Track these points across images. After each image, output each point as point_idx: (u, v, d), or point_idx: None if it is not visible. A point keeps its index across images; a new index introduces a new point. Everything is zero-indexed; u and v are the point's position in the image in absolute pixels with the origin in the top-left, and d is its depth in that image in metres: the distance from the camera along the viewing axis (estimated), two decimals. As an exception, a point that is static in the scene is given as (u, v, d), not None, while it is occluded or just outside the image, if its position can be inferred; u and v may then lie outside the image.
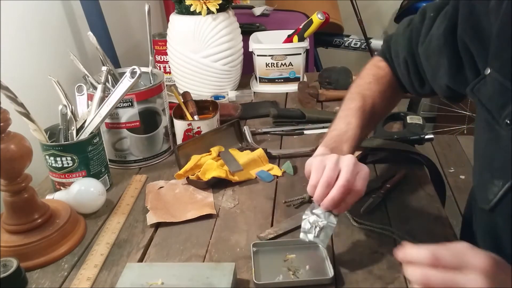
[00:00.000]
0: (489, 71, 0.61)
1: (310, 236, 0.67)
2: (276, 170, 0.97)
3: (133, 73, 0.88)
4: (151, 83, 1.04)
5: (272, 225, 0.81)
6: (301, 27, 1.41)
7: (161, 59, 1.49)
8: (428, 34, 0.76)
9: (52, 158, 0.87)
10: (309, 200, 0.86)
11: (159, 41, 1.47)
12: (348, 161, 0.66)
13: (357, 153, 0.97)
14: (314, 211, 0.69)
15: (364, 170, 0.67)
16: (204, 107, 1.13)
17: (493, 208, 0.63)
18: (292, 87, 1.40)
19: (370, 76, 0.86)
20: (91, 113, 0.92)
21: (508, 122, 0.58)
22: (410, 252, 0.50)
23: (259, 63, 1.39)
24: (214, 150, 0.99)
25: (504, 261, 0.49)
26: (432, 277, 0.47)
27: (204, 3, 1.25)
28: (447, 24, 0.70)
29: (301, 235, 0.68)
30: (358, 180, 0.66)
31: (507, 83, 0.58)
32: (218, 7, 1.25)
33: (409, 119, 1.10)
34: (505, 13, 0.57)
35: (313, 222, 0.68)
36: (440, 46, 0.72)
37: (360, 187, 0.66)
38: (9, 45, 0.99)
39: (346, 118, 0.78)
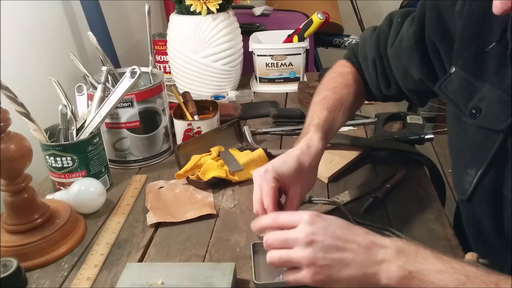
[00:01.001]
0: (454, 69, 0.67)
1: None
2: (276, 170, 0.97)
3: (133, 73, 0.88)
4: (151, 83, 1.04)
5: (272, 225, 0.81)
6: (301, 27, 1.41)
7: (161, 59, 1.49)
8: (397, 36, 0.80)
9: (52, 158, 0.87)
10: (309, 200, 0.86)
11: (159, 41, 1.47)
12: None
13: (357, 153, 0.97)
14: None
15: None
16: (204, 107, 1.13)
17: (470, 197, 0.66)
18: (292, 87, 1.40)
19: (334, 73, 0.88)
20: (91, 113, 0.92)
21: (474, 111, 0.63)
22: (258, 220, 0.62)
23: (259, 63, 1.39)
24: (214, 150, 0.99)
25: (324, 215, 0.58)
26: (270, 236, 0.59)
27: (204, 3, 1.25)
28: (416, 26, 0.75)
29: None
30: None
31: (470, 78, 0.63)
32: (218, 7, 1.25)
33: (409, 119, 1.10)
34: (466, 14, 0.64)
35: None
36: (411, 46, 0.75)
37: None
38: (9, 45, 0.99)
39: (311, 111, 0.80)
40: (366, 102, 1.02)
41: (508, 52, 0.59)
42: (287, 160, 0.69)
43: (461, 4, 0.65)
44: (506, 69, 0.60)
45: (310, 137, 0.73)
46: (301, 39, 1.40)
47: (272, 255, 0.58)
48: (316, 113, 0.78)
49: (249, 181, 0.95)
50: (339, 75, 0.87)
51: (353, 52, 0.90)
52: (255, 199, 0.66)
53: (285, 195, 0.69)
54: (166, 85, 1.08)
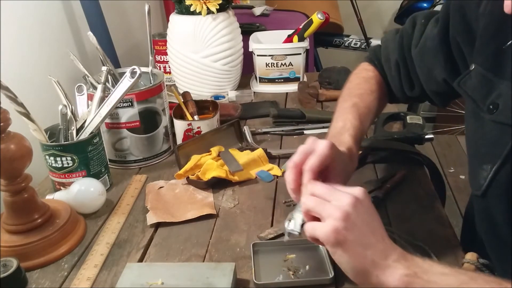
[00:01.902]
0: (473, 66, 0.67)
1: (286, 235, 0.65)
2: (276, 170, 0.97)
3: (133, 73, 0.88)
4: (151, 83, 1.04)
5: (272, 225, 0.81)
6: (301, 27, 1.41)
7: (161, 59, 1.49)
8: (421, 37, 0.80)
9: (52, 158, 0.87)
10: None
11: (159, 41, 1.47)
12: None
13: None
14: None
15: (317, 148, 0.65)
16: (204, 107, 1.13)
17: (485, 193, 0.66)
18: (292, 87, 1.40)
19: (359, 78, 0.88)
20: (91, 113, 0.92)
21: (491, 107, 0.64)
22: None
23: (259, 63, 1.39)
24: (214, 150, 0.99)
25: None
26: (316, 188, 0.59)
27: (204, 3, 1.25)
28: (440, 27, 0.75)
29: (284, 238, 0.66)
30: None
31: (489, 75, 0.64)
32: (218, 7, 1.25)
33: (409, 119, 1.10)
34: (488, 13, 0.65)
35: (289, 217, 0.65)
36: (435, 46, 0.76)
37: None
38: (9, 45, 0.99)
39: (342, 116, 0.80)
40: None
41: None
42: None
43: (485, 4, 0.66)
44: None
45: (350, 148, 0.74)
46: (301, 39, 1.40)
47: (310, 199, 0.59)
48: (350, 121, 0.78)
49: (249, 181, 0.95)
50: (363, 80, 0.87)
51: (375, 54, 0.90)
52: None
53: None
54: (166, 85, 1.08)
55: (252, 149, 1.02)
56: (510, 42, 0.62)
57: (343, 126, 0.77)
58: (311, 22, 1.38)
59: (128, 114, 0.98)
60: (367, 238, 0.56)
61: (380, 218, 0.60)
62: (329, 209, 0.56)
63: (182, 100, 1.12)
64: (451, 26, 0.73)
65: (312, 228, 0.57)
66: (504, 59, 0.63)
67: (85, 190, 0.85)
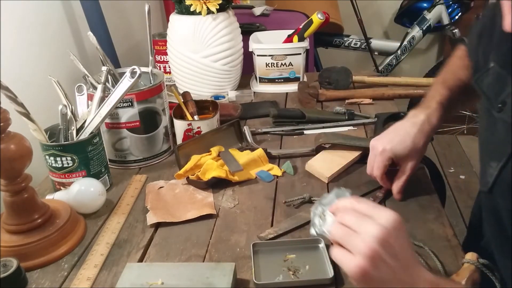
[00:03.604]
0: (491, 64, 0.67)
1: (314, 230, 0.62)
2: (276, 170, 0.97)
3: (133, 73, 0.88)
4: (151, 83, 1.04)
5: (272, 225, 0.81)
6: (301, 27, 1.41)
7: (161, 59, 1.49)
8: None
9: (52, 158, 0.87)
10: (309, 200, 0.86)
11: (159, 41, 1.47)
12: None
13: (357, 153, 0.97)
14: (322, 201, 0.63)
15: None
16: (204, 107, 1.13)
17: (491, 189, 0.67)
18: (292, 87, 1.40)
19: (453, 57, 0.90)
20: (91, 113, 0.92)
21: (500, 105, 0.64)
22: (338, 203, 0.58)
23: (259, 63, 1.39)
24: (214, 150, 0.99)
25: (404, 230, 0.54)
26: (345, 216, 0.55)
27: (204, 3, 1.25)
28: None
29: (310, 230, 0.64)
30: None
31: (504, 73, 0.64)
32: (218, 7, 1.25)
33: (409, 119, 1.09)
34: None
35: (319, 213, 0.63)
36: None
37: None
38: (9, 45, 0.99)
39: (433, 89, 0.85)
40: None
41: None
42: (404, 140, 0.80)
43: None
44: None
45: (431, 113, 0.81)
46: (301, 39, 1.40)
47: (338, 229, 0.55)
48: (438, 91, 0.83)
49: (249, 181, 0.95)
50: (457, 58, 0.89)
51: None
52: (369, 165, 0.84)
53: (399, 167, 0.83)
54: (166, 85, 1.08)
55: (252, 149, 1.02)
56: None
57: (432, 97, 0.84)
58: (311, 22, 1.38)
59: (128, 114, 0.98)
60: (396, 275, 0.52)
61: (410, 242, 0.57)
62: (356, 243, 0.52)
63: (182, 100, 1.12)
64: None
65: (339, 260, 0.54)
66: None
67: (85, 190, 0.85)
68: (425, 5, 2.48)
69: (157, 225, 0.83)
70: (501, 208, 0.67)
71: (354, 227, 0.53)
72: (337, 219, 0.56)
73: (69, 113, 0.90)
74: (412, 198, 0.85)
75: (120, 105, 0.95)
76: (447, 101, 0.83)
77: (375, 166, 0.82)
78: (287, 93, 1.40)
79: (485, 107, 0.70)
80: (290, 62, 1.38)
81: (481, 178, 0.71)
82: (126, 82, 0.89)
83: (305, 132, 1.14)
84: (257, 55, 1.38)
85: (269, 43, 1.46)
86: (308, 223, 0.80)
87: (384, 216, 0.53)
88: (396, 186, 0.83)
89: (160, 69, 1.48)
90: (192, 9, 1.25)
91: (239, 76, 1.44)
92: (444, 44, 2.81)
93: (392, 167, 0.84)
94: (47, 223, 0.76)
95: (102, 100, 0.93)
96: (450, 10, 2.46)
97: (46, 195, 0.89)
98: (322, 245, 0.73)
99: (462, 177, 2.52)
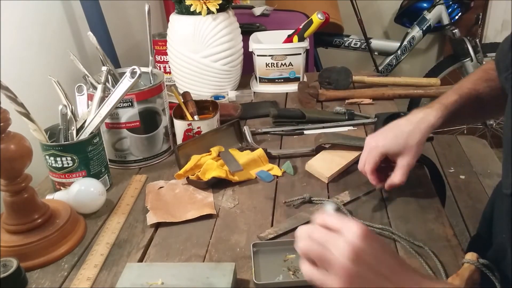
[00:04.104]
0: None
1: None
2: (276, 170, 0.97)
3: (133, 73, 0.88)
4: (151, 83, 1.04)
5: (272, 225, 0.81)
6: (301, 27, 1.41)
7: (161, 59, 1.49)
8: None
9: (52, 158, 0.87)
10: (309, 200, 0.86)
11: (159, 41, 1.47)
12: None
13: (357, 153, 0.97)
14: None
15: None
16: (204, 107, 1.13)
17: None
18: (292, 87, 1.40)
19: (478, 70, 0.87)
20: (91, 113, 0.92)
21: None
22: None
23: (259, 63, 1.39)
24: (214, 150, 0.99)
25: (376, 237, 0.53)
26: (315, 231, 0.53)
27: (204, 3, 1.25)
28: None
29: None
30: None
31: None
32: (218, 7, 1.25)
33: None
34: None
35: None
36: None
37: None
38: (9, 45, 0.99)
39: (445, 95, 0.83)
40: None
41: None
42: (397, 136, 0.79)
43: None
44: None
45: (429, 112, 0.80)
46: (301, 39, 1.40)
47: (308, 245, 0.53)
48: (447, 94, 0.82)
49: (249, 181, 0.95)
50: (481, 70, 0.85)
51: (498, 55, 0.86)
52: (361, 161, 0.84)
53: (394, 164, 0.81)
54: (166, 85, 1.08)
55: (252, 149, 1.02)
56: None
57: (439, 100, 0.82)
58: (311, 22, 1.38)
59: (128, 114, 0.98)
60: (379, 285, 0.50)
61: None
62: (329, 262, 0.51)
63: (182, 100, 1.12)
64: None
65: (316, 279, 0.52)
66: None
67: (85, 190, 0.85)
68: (425, 5, 2.48)
69: (157, 225, 0.83)
70: None
71: (323, 242, 0.52)
72: (306, 233, 0.54)
73: (69, 113, 0.90)
74: (412, 198, 0.85)
75: (120, 105, 0.95)
76: (453, 105, 0.80)
77: (366, 161, 0.82)
78: (287, 93, 1.40)
79: None
80: (290, 62, 1.38)
81: (504, 179, 0.69)
82: (126, 82, 0.89)
83: (305, 132, 1.14)
84: (257, 55, 1.38)
85: (269, 43, 1.46)
86: (308, 223, 0.80)
87: (351, 230, 0.51)
88: (389, 181, 0.81)
89: (160, 69, 1.48)
90: (192, 9, 1.25)
91: (239, 76, 1.44)
92: (444, 44, 2.81)
93: (387, 164, 0.83)
94: (47, 223, 0.76)
95: (102, 100, 0.93)
96: (450, 10, 2.46)
97: (46, 195, 0.89)
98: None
99: (462, 177, 2.51)
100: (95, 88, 0.97)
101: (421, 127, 0.79)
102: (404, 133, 0.79)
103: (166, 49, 1.40)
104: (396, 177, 0.79)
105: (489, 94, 0.82)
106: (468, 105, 0.81)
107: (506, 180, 0.67)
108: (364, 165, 0.83)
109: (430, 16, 2.45)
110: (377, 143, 0.81)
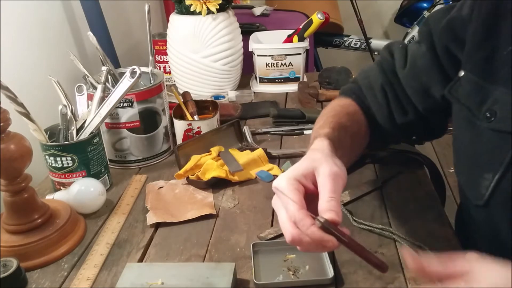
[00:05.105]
0: (462, 73, 0.66)
1: None
2: (276, 170, 0.97)
3: (133, 73, 0.88)
4: (151, 83, 1.04)
5: (272, 225, 0.81)
6: (301, 27, 1.41)
7: (161, 59, 1.49)
8: (406, 59, 0.78)
9: (52, 158, 0.87)
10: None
11: (159, 41, 1.47)
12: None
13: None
14: None
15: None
16: (204, 107, 1.13)
17: (487, 202, 0.64)
18: (292, 87, 1.40)
19: (332, 105, 0.81)
20: (91, 113, 0.92)
21: (488, 115, 0.62)
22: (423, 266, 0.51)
23: (259, 63, 1.39)
24: (214, 150, 0.99)
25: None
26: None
27: (204, 3, 1.25)
28: (427, 44, 0.74)
29: None
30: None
31: (481, 81, 0.63)
32: (218, 7, 1.25)
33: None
34: (475, 18, 0.64)
35: None
36: (428, 62, 0.74)
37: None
38: (9, 45, 0.99)
39: (312, 137, 0.72)
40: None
41: None
42: (297, 164, 0.62)
43: (469, 7, 0.65)
44: None
45: (313, 144, 0.68)
46: (301, 39, 1.40)
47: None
48: (317, 132, 0.70)
49: (249, 181, 0.95)
50: (338, 105, 0.80)
51: (350, 89, 0.84)
52: (282, 224, 0.58)
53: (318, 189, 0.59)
54: (166, 85, 1.08)
55: (252, 149, 1.02)
56: (509, 48, 0.60)
57: (311, 142, 0.70)
58: (311, 22, 1.38)
59: (128, 114, 0.98)
60: None
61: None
62: None
63: (182, 100, 1.12)
64: (438, 38, 0.71)
65: None
66: (496, 64, 0.62)
67: (85, 190, 0.85)
68: (425, 5, 2.49)
69: (157, 225, 0.83)
70: (500, 220, 0.65)
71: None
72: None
73: (69, 113, 0.90)
74: (412, 198, 0.85)
75: (120, 105, 0.95)
76: (329, 135, 0.69)
77: (285, 202, 0.58)
78: (287, 93, 1.40)
79: (464, 118, 0.67)
80: (290, 62, 1.38)
81: (471, 191, 0.68)
82: (126, 82, 0.89)
83: (305, 132, 1.14)
84: (257, 55, 1.38)
85: (269, 43, 1.46)
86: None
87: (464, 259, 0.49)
88: (323, 201, 0.57)
89: (160, 69, 1.48)
90: (192, 9, 1.25)
91: (239, 76, 1.44)
92: (444, 44, 2.81)
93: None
94: (47, 223, 0.76)
95: (102, 100, 0.93)
96: (450, 10, 2.46)
97: (46, 195, 0.89)
98: (322, 245, 0.73)
99: (462, 177, 2.51)
100: (95, 88, 0.97)
101: (318, 148, 0.65)
102: (302, 158, 0.63)
103: (166, 49, 1.40)
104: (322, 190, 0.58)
105: (354, 126, 0.77)
106: (343, 136, 0.71)
107: (474, 192, 0.65)
108: (291, 219, 0.58)
109: (430, 16, 2.45)
110: (275, 184, 0.61)
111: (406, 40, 2.49)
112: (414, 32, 2.48)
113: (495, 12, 0.62)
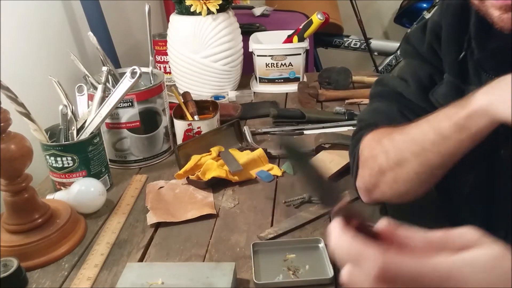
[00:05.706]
0: (445, 75, 0.67)
1: None
2: (276, 170, 0.97)
3: (133, 73, 0.88)
4: (151, 83, 1.04)
5: (272, 225, 0.81)
6: (301, 27, 1.41)
7: (161, 59, 1.50)
8: (407, 80, 0.73)
9: (52, 158, 0.87)
10: (309, 200, 0.86)
11: (159, 41, 1.47)
12: None
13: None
14: None
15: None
16: (204, 107, 1.13)
17: (464, 200, 0.68)
18: (292, 87, 1.40)
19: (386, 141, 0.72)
20: (91, 113, 0.92)
21: None
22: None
23: (259, 63, 1.39)
24: (214, 150, 0.99)
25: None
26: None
27: (204, 3, 1.25)
28: (418, 58, 0.72)
29: None
30: None
31: (456, 81, 0.65)
32: (218, 8, 1.26)
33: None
34: (446, 23, 0.65)
35: None
36: (428, 71, 0.71)
37: None
38: (10, 45, 0.99)
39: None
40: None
41: (475, 59, 0.61)
42: None
43: (438, 14, 0.67)
44: (482, 74, 0.61)
45: None
46: (301, 39, 1.40)
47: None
48: None
49: (249, 181, 0.95)
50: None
51: (370, 125, 0.75)
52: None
53: None
54: (166, 85, 1.08)
55: (252, 149, 1.02)
56: (463, 53, 0.62)
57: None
58: (311, 22, 1.38)
59: (128, 114, 0.98)
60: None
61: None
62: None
63: (182, 100, 1.12)
64: (426, 48, 0.70)
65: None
66: (465, 64, 0.63)
67: (85, 190, 0.85)
68: (425, 5, 2.48)
69: (157, 225, 0.83)
70: (471, 218, 0.66)
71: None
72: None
73: (69, 113, 0.90)
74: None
75: (120, 105, 0.95)
76: None
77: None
78: (287, 93, 1.40)
79: None
80: (290, 63, 1.38)
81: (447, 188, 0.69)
82: (126, 82, 0.89)
83: (305, 132, 1.14)
84: (257, 55, 1.38)
85: (269, 44, 1.46)
86: (308, 223, 0.81)
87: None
88: None
89: (160, 69, 1.48)
90: (192, 9, 1.25)
91: (239, 76, 1.44)
92: (444, 44, 2.81)
93: None
94: (47, 223, 0.76)
95: (102, 100, 0.93)
96: (450, 10, 2.46)
97: (46, 195, 0.89)
98: (322, 245, 0.73)
99: (462, 177, 2.52)
100: (95, 88, 0.97)
101: None
102: None
103: (166, 49, 1.40)
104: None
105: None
106: None
107: (451, 189, 0.68)
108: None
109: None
110: None
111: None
112: (414, 32, 2.48)
113: (458, 13, 0.63)
